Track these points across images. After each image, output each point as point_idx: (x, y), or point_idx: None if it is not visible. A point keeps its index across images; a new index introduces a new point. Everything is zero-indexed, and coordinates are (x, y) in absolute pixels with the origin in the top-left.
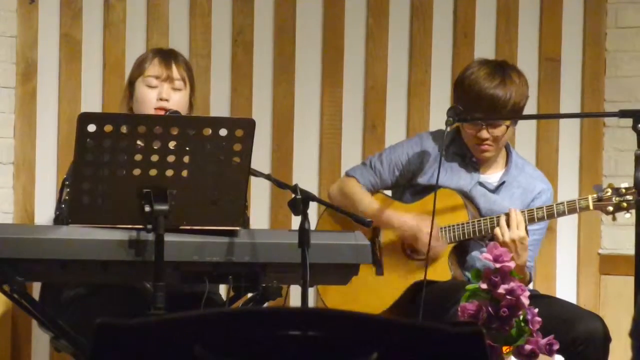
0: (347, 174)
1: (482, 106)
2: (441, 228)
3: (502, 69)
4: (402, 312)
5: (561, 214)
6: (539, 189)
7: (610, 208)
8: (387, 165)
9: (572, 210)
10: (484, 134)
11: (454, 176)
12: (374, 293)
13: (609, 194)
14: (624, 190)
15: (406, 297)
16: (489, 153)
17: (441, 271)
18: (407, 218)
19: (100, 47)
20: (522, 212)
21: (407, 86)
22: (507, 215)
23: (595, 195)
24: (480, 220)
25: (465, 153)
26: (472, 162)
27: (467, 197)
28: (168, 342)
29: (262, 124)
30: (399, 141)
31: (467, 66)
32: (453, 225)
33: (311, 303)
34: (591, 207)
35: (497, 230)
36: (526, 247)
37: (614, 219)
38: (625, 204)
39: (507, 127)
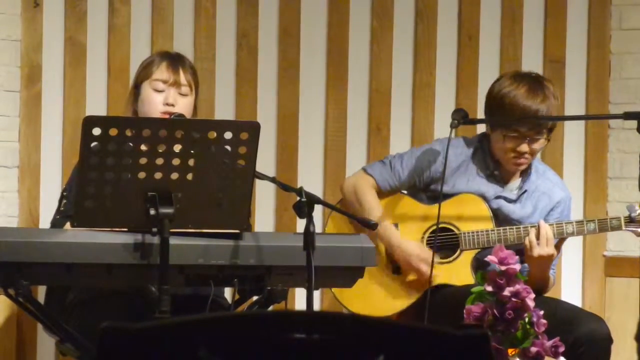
0: (366, 171)
1: (526, 123)
2: (464, 233)
3: (540, 84)
4: (418, 314)
5: (592, 231)
6: (557, 197)
7: None
8: (407, 169)
9: (603, 229)
10: (524, 147)
11: (474, 185)
12: (391, 293)
13: None
14: None
15: (424, 299)
16: (523, 166)
17: (464, 276)
18: (405, 247)
19: (105, 51)
20: (550, 225)
21: (411, 89)
22: (537, 229)
23: (627, 216)
24: (506, 229)
25: (488, 165)
26: (494, 175)
27: (489, 208)
28: (173, 346)
29: (266, 127)
30: (421, 146)
31: (500, 82)
32: (477, 232)
33: (316, 306)
34: (623, 227)
35: (526, 243)
36: (551, 263)
37: None
38: None
39: (547, 140)
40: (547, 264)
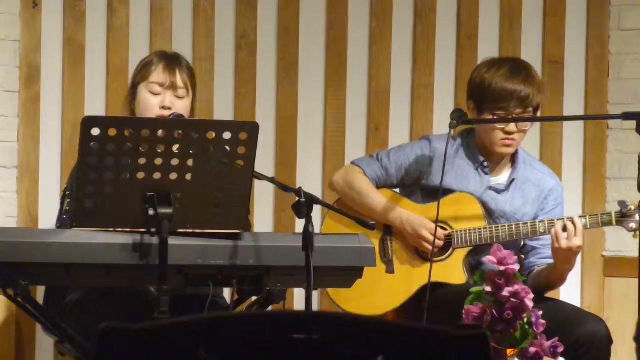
0: (354, 163)
1: (511, 102)
2: (456, 232)
3: (520, 65)
4: (412, 311)
5: (583, 227)
6: (549, 185)
7: (633, 225)
8: (394, 162)
9: (594, 225)
10: (512, 127)
11: (464, 181)
12: (385, 291)
13: (632, 210)
14: None
15: (417, 297)
16: (512, 148)
17: (456, 275)
18: (412, 217)
19: (104, 51)
20: (542, 222)
21: (410, 89)
22: (563, 221)
23: (618, 211)
24: (498, 227)
25: (476, 157)
26: (483, 166)
27: (481, 202)
28: (172, 346)
29: (265, 127)
30: (406, 143)
31: (478, 69)
32: (469, 229)
33: (315, 306)
34: (614, 222)
35: (552, 235)
36: (577, 256)
37: (636, 236)
38: None
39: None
40: (574, 257)
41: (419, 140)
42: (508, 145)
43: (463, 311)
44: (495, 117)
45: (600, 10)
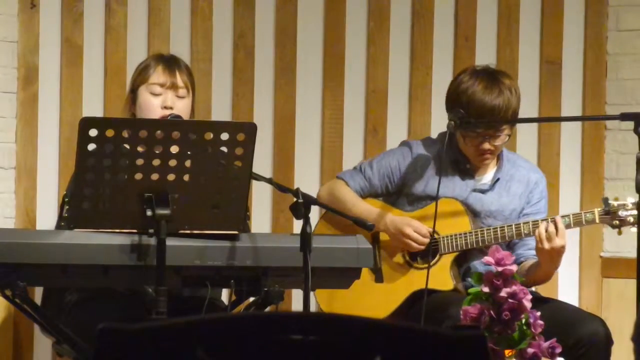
0: (337, 177)
1: (484, 118)
2: (442, 237)
3: (495, 79)
4: (401, 319)
5: (567, 226)
6: (533, 179)
7: (617, 222)
8: (377, 171)
9: (577, 223)
10: (486, 145)
11: (449, 184)
12: (373, 300)
13: (615, 207)
14: (630, 205)
15: (406, 305)
16: (488, 160)
17: (443, 281)
18: (396, 218)
19: (102, 52)
20: (526, 223)
21: (408, 90)
22: (546, 222)
23: (601, 209)
24: (483, 230)
25: (458, 160)
26: (466, 168)
27: (466, 204)
28: (170, 347)
29: (263, 128)
30: (389, 150)
31: (460, 78)
32: (455, 235)
33: (313, 307)
34: (597, 220)
35: (536, 236)
36: (562, 255)
37: (620, 232)
38: (631, 219)
39: (508, 135)
40: (559, 256)
41: (399, 146)
42: (485, 160)
43: (461, 312)
44: (466, 137)
45: (598, 11)
